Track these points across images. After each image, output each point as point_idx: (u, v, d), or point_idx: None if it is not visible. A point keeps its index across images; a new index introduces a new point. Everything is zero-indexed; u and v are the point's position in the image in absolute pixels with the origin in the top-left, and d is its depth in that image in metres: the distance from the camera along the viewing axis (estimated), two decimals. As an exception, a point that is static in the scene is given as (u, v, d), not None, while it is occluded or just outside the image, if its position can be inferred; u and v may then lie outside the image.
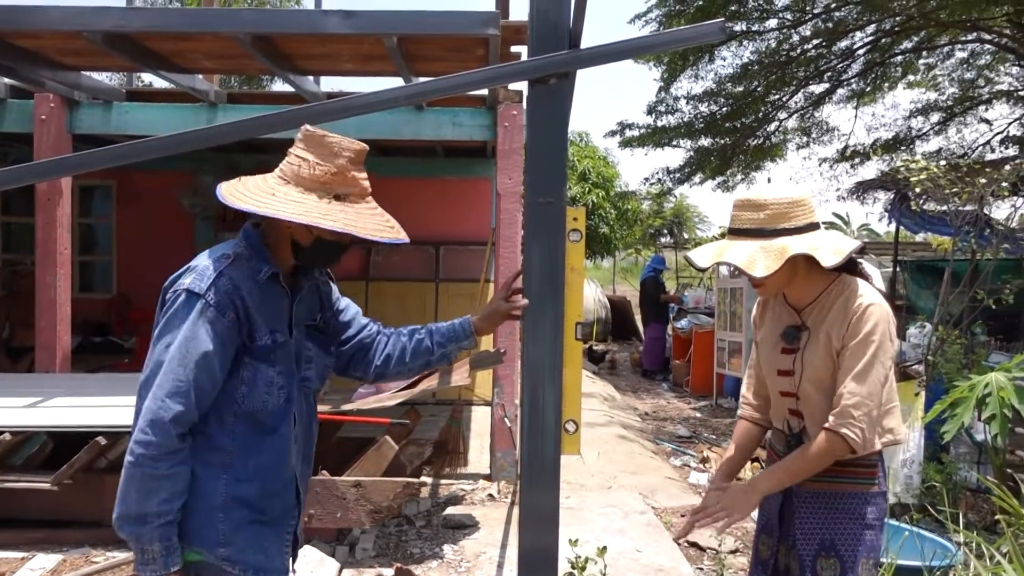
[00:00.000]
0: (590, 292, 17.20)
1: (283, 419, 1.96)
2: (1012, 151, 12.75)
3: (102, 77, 13.04)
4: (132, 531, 1.78)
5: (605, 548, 3.56)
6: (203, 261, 1.90)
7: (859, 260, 2.34)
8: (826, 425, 2.14)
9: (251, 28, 4.72)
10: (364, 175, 1.95)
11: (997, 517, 4.01)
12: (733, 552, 4.79)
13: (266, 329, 1.92)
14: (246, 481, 1.91)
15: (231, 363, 1.88)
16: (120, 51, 5.01)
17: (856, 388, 2.12)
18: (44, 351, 5.93)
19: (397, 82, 5.80)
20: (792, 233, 2.15)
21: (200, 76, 6.38)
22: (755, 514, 2.48)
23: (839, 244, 2.19)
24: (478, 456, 6.49)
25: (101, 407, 4.49)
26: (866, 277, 2.29)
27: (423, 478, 5.34)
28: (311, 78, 6.48)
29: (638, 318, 15.84)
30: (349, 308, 2.23)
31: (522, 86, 5.53)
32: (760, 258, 2.13)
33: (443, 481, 5.89)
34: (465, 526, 4.98)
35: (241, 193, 1.90)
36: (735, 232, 2.23)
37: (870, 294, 2.19)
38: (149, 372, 1.81)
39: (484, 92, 6.44)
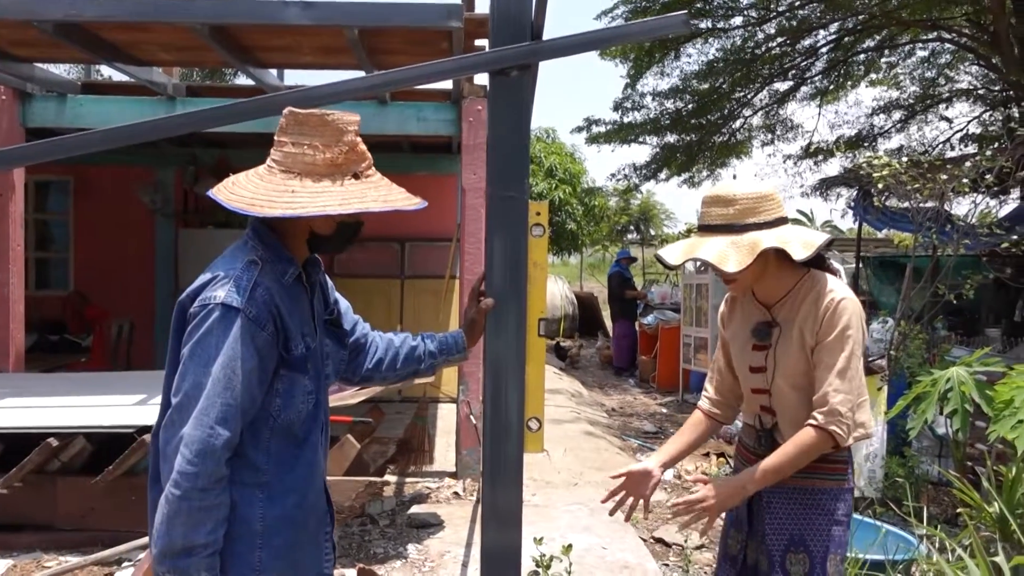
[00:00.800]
0: (557, 289, 17.19)
1: (313, 425, 1.88)
2: (971, 149, 12.94)
3: (61, 70, 12.78)
4: (178, 564, 1.66)
5: (570, 546, 3.53)
6: (231, 270, 1.76)
7: (826, 255, 2.34)
8: (813, 422, 2.12)
9: (208, 18, 4.61)
10: (364, 145, 1.86)
11: (959, 510, 4.05)
12: (699, 548, 4.78)
13: (299, 336, 1.82)
14: (283, 498, 1.80)
15: (270, 378, 1.78)
16: (73, 41, 4.87)
17: (840, 385, 2.11)
18: (-4, 350, 5.77)
19: (359, 76, 5.72)
20: (762, 228, 2.15)
21: (159, 69, 6.24)
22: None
23: (809, 238, 2.19)
24: (444, 454, 6.44)
25: (53, 407, 4.37)
26: (834, 272, 2.28)
27: (387, 477, 5.28)
28: (273, 71, 6.36)
29: (606, 315, 15.87)
30: (342, 300, 2.15)
31: (486, 80, 5.47)
32: (731, 253, 2.12)
33: (408, 479, 5.83)
34: (430, 525, 4.92)
35: (259, 199, 1.74)
36: (705, 228, 2.22)
37: (840, 288, 2.19)
38: (187, 394, 1.68)
39: (449, 87, 6.38)
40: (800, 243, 2.15)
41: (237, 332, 1.70)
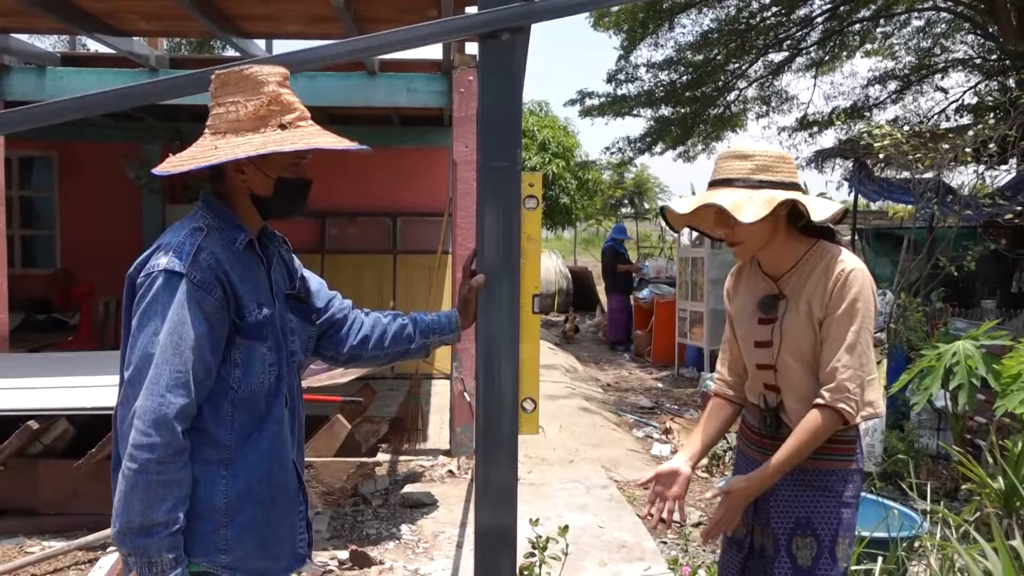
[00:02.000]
0: (551, 263, 17.10)
1: (275, 399, 1.81)
2: (967, 119, 12.83)
3: (45, 44, 12.57)
4: (138, 543, 1.60)
5: (567, 527, 3.45)
6: (174, 238, 1.72)
7: (836, 230, 2.25)
8: (821, 401, 2.04)
9: (188, -15, 4.47)
10: (298, 99, 1.79)
11: (963, 487, 3.98)
12: (696, 526, 4.72)
13: (254, 303, 1.75)
14: (246, 474, 1.74)
15: (223, 347, 1.72)
16: (49, 10, 4.72)
17: (849, 360, 2.02)
18: (-22, 330, 5.65)
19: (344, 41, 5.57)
20: (777, 187, 2.07)
21: (142, 40, 6.08)
22: (721, 483, 2.39)
23: (824, 204, 2.12)
24: (438, 431, 6.36)
25: (35, 389, 4.26)
26: (843, 246, 2.18)
27: (379, 456, 5.19)
28: (259, 42, 6.21)
29: (600, 289, 15.79)
30: (312, 278, 2.07)
31: (477, 50, 5.34)
32: (747, 204, 2.03)
33: (402, 458, 5.74)
34: (424, 504, 4.85)
35: (179, 160, 1.73)
36: (718, 183, 2.13)
37: (851, 259, 2.10)
38: (136, 366, 1.63)
39: (439, 57, 6.24)
40: (817, 206, 2.09)
41: (182, 297, 1.65)
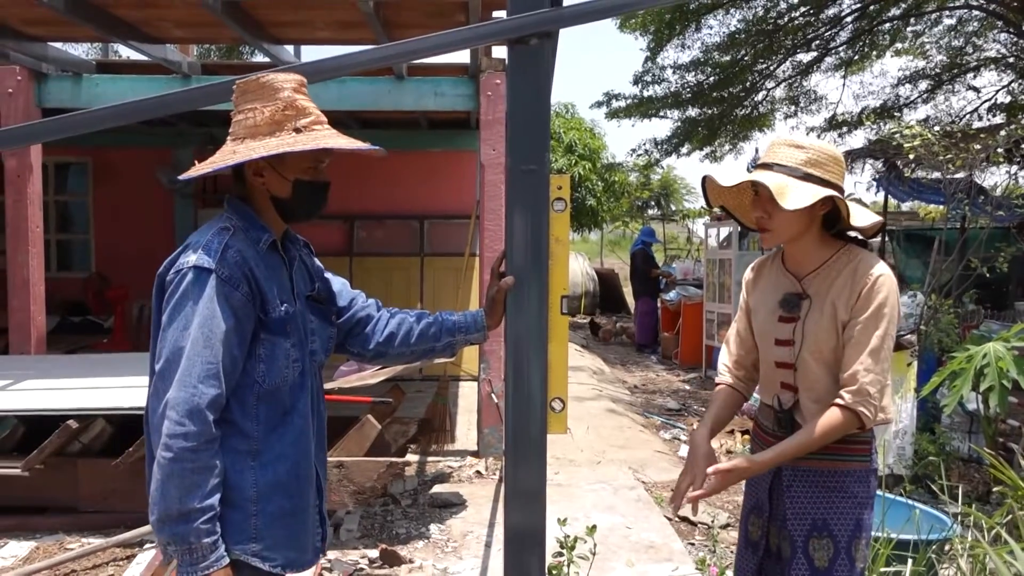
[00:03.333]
0: (578, 265, 17.09)
1: (301, 394, 1.87)
2: (999, 119, 12.65)
3: (79, 51, 12.78)
4: (176, 531, 1.65)
5: (595, 527, 3.47)
6: (202, 237, 1.79)
7: (868, 240, 2.25)
8: (841, 402, 2.04)
9: (220, -7, 4.55)
10: (314, 104, 1.85)
11: (996, 489, 3.94)
12: (725, 527, 4.72)
13: (277, 300, 1.82)
14: (274, 465, 1.80)
15: (249, 341, 1.78)
16: (85, 19, 4.82)
17: (872, 365, 2.03)
18: (18, 332, 5.77)
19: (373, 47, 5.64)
20: (823, 185, 2.07)
21: (174, 47, 6.19)
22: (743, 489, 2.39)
23: (865, 212, 2.13)
24: (465, 433, 6.40)
25: (73, 389, 4.36)
26: (872, 251, 2.19)
27: (408, 457, 5.24)
28: (289, 48, 6.29)
29: (627, 292, 15.75)
30: (335, 279, 2.13)
31: (504, 54, 5.38)
32: (792, 191, 2.03)
33: (430, 459, 5.79)
34: (452, 504, 4.88)
35: (202, 165, 1.81)
36: (766, 166, 2.13)
37: (879, 265, 2.10)
38: (167, 359, 1.69)
39: (467, 61, 6.28)
40: (858, 212, 2.10)
41: (212, 292, 1.71)
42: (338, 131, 1.87)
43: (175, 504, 1.65)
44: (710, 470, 2.10)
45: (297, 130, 1.79)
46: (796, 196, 2.02)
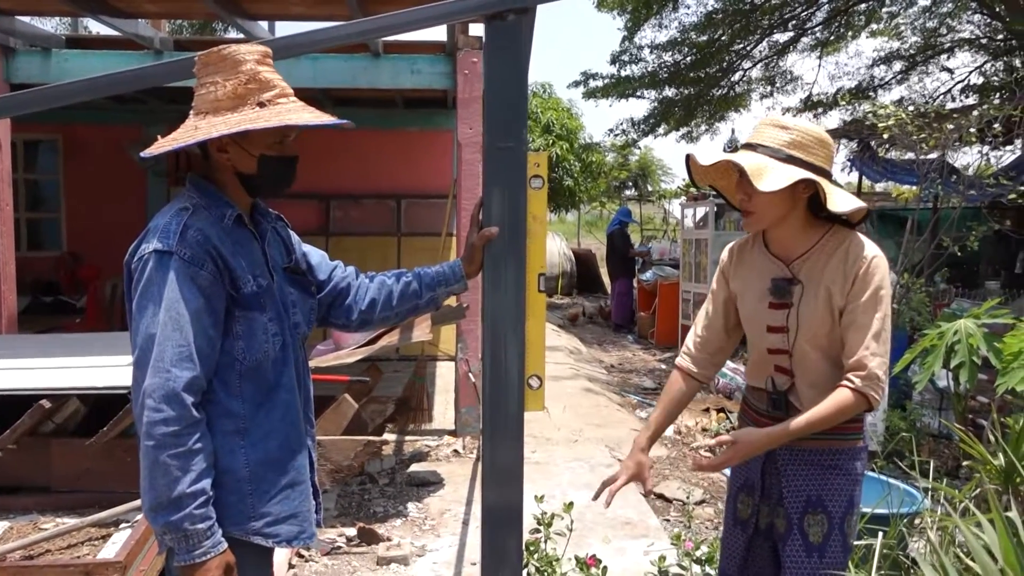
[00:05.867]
0: (555, 246, 17.11)
1: (284, 367, 1.85)
2: (972, 99, 12.77)
3: (49, 26, 12.54)
4: (169, 519, 1.63)
5: (572, 504, 3.50)
6: (161, 220, 1.75)
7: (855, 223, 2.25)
8: (852, 385, 2.03)
9: (193, -33, 4.46)
10: (279, 76, 1.80)
11: (963, 464, 4.02)
12: (700, 503, 4.77)
13: (248, 275, 1.78)
14: (264, 442, 1.79)
15: (223, 320, 1.75)
16: (54, -7, 4.72)
17: (876, 347, 2.02)
18: (-12, 312, 5.69)
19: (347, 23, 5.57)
20: (806, 167, 2.04)
21: (146, 23, 6.08)
22: (727, 472, 2.41)
23: (847, 197, 2.09)
24: (443, 412, 6.41)
25: (45, 369, 4.30)
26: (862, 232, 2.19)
27: (385, 436, 5.24)
28: (263, 24, 6.21)
29: (603, 272, 15.80)
30: (313, 252, 2.10)
31: (481, 31, 5.33)
32: (769, 172, 2.01)
33: (408, 438, 5.80)
34: (430, 483, 4.90)
35: (163, 141, 1.76)
36: (749, 146, 2.11)
37: (870, 246, 2.09)
38: (141, 348, 1.66)
39: (443, 39, 6.23)
40: (839, 196, 2.06)
41: (174, 275, 1.68)
42: (306, 105, 1.82)
43: (164, 492, 1.62)
44: (713, 441, 2.13)
45: (261, 104, 1.73)
46: (772, 178, 1.99)
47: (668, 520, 4.55)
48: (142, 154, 1.79)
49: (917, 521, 3.50)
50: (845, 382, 2.04)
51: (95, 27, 9.72)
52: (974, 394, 5.49)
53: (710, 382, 2.43)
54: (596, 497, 2.30)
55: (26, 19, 5.93)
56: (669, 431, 6.47)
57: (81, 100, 2.22)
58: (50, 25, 14.19)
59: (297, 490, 1.85)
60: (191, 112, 1.78)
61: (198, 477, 1.65)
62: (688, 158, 2.23)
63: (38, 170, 9.50)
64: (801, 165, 2.04)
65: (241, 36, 5.99)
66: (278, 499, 1.80)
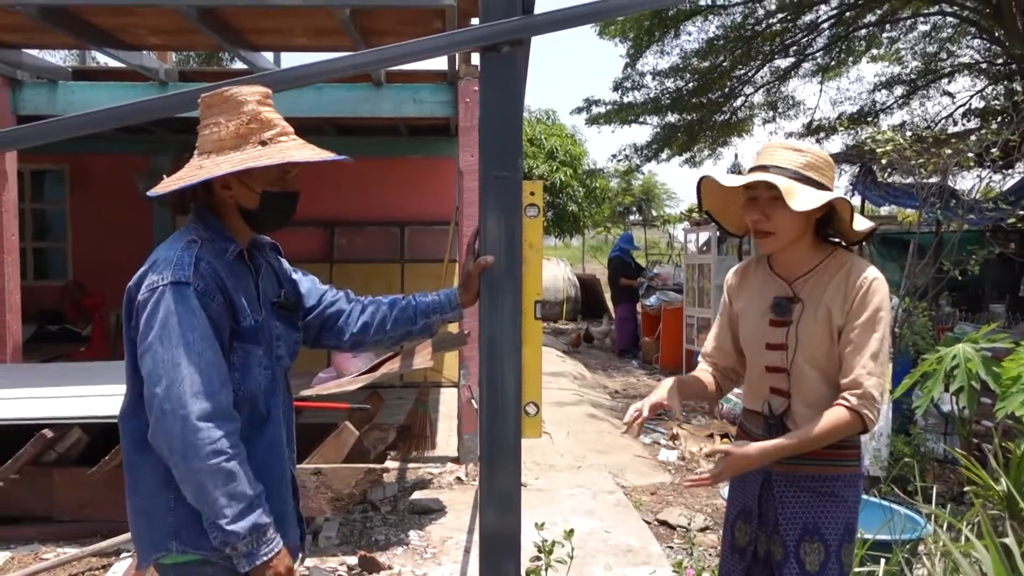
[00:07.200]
0: (559, 271, 17.13)
1: (272, 399, 1.91)
2: (973, 123, 12.82)
3: (56, 58, 12.69)
4: (255, 521, 1.70)
5: (572, 531, 3.48)
6: (171, 252, 1.79)
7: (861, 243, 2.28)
8: (847, 404, 2.04)
9: (195, 0, 4.53)
10: (279, 116, 1.86)
11: (966, 489, 4.00)
12: (703, 530, 4.75)
13: (247, 309, 1.85)
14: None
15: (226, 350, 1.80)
16: (59, 26, 4.79)
17: (874, 368, 2.04)
18: (-7, 341, 5.72)
19: (348, 55, 5.63)
20: (820, 188, 2.07)
21: (152, 54, 6.16)
22: (725, 492, 2.40)
23: (862, 218, 2.14)
24: (446, 439, 6.40)
25: (49, 398, 4.32)
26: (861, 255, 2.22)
27: (387, 463, 5.23)
28: (267, 55, 6.28)
29: (608, 297, 15.81)
30: (304, 280, 2.15)
31: (483, 60, 5.37)
32: (800, 193, 2.03)
33: (410, 465, 5.79)
34: (432, 511, 4.88)
35: (169, 181, 1.82)
36: (764, 168, 2.10)
37: (871, 268, 2.11)
38: (170, 378, 1.69)
39: (445, 68, 6.30)
40: (859, 217, 2.11)
41: (191, 305, 1.73)
42: (308, 140, 1.87)
43: (242, 498, 1.68)
44: (707, 450, 2.11)
45: (263, 142, 1.80)
46: (804, 198, 2.02)
47: (671, 547, 4.52)
48: (148, 193, 1.84)
49: (921, 547, 3.48)
50: (841, 401, 2.05)
51: (102, 58, 9.88)
52: (978, 418, 5.46)
53: (727, 391, 2.43)
54: (627, 424, 2.16)
55: (34, 52, 6.02)
56: (672, 455, 6.45)
57: (85, 133, 2.25)
58: (59, 57, 14.36)
59: (277, 520, 1.87)
60: (195, 152, 1.84)
61: (252, 481, 1.73)
62: (703, 180, 2.23)
63: (45, 199, 9.58)
64: (815, 186, 2.07)
65: (245, 67, 6.06)
66: None
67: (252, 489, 1.71)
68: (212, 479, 1.67)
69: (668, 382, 2.26)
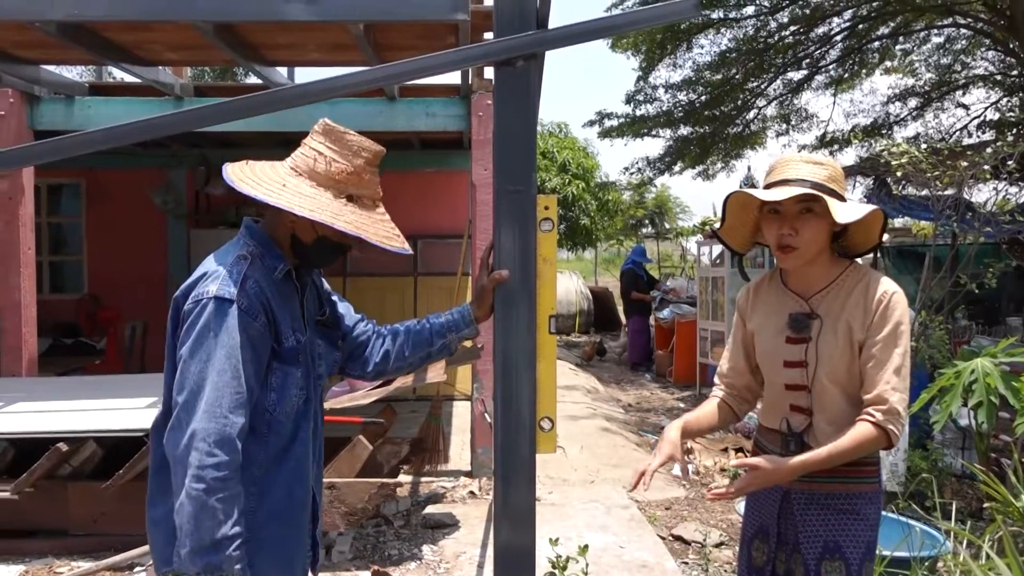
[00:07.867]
0: (572, 284, 17.12)
1: (303, 422, 1.90)
2: (988, 135, 12.76)
3: (73, 73, 12.82)
4: (210, 560, 1.64)
5: (587, 547, 3.47)
6: (221, 265, 1.78)
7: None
8: (872, 419, 2.01)
9: (211, 16, 4.55)
10: (378, 180, 1.88)
11: (985, 505, 3.95)
12: (718, 546, 4.71)
13: (290, 330, 1.85)
14: (273, 492, 1.82)
15: (264, 371, 1.80)
16: (77, 43, 4.83)
17: (898, 383, 2.02)
18: (10, 354, 5.75)
19: (363, 70, 5.66)
20: (840, 200, 2.06)
21: (168, 69, 6.21)
22: (741, 507, 2.37)
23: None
24: (459, 452, 6.38)
25: (64, 412, 4.34)
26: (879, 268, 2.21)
27: (400, 477, 5.22)
28: (282, 70, 6.32)
29: (621, 310, 15.78)
30: (341, 304, 2.16)
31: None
32: (840, 205, 2.02)
33: (423, 479, 5.77)
34: (445, 525, 4.87)
35: (250, 179, 1.80)
36: (789, 181, 2.06)
37: (890, 283, 2.10)
38: (191, 391, 1.69)
39: (458, 82, 6.32)
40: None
41: (233, 322, 1.72)
42: (388, 218, 1.88)
43: (208, 534, 1.64)
44: (734, 463, 2.09)
45: (351, 198, 1.81)
46: (843, 211, 2.01)
47: (686, 563, 4.48)
48: (226, 178, 1.80)
49: (940, 564, 3.43)
50: (865, 416, 2.02)
51: (119, 73, 9.99)
52: (997, 433, 5.41)
53: (741, 420, 2.40)
54: (633, 488, 2.14)
55: (51, 68, 6.08)
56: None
57: (102, 148, 2.26)
58: (76, 72, 14.51)
59: (291, 543, 1.88)
60: (289, 161, 1.84)
61: (237, 520, 1.68)
62: (733, 195, 2.17)
63: (61, 213, 9.66)
64: (840, 198, 2.07)
65: (260, 82, 6.10)
66: (271, 549, 1.83)
67: (225, 529, 1.65)
68: (190, 503, 1.64)
69: (672, 432, 2.19)
